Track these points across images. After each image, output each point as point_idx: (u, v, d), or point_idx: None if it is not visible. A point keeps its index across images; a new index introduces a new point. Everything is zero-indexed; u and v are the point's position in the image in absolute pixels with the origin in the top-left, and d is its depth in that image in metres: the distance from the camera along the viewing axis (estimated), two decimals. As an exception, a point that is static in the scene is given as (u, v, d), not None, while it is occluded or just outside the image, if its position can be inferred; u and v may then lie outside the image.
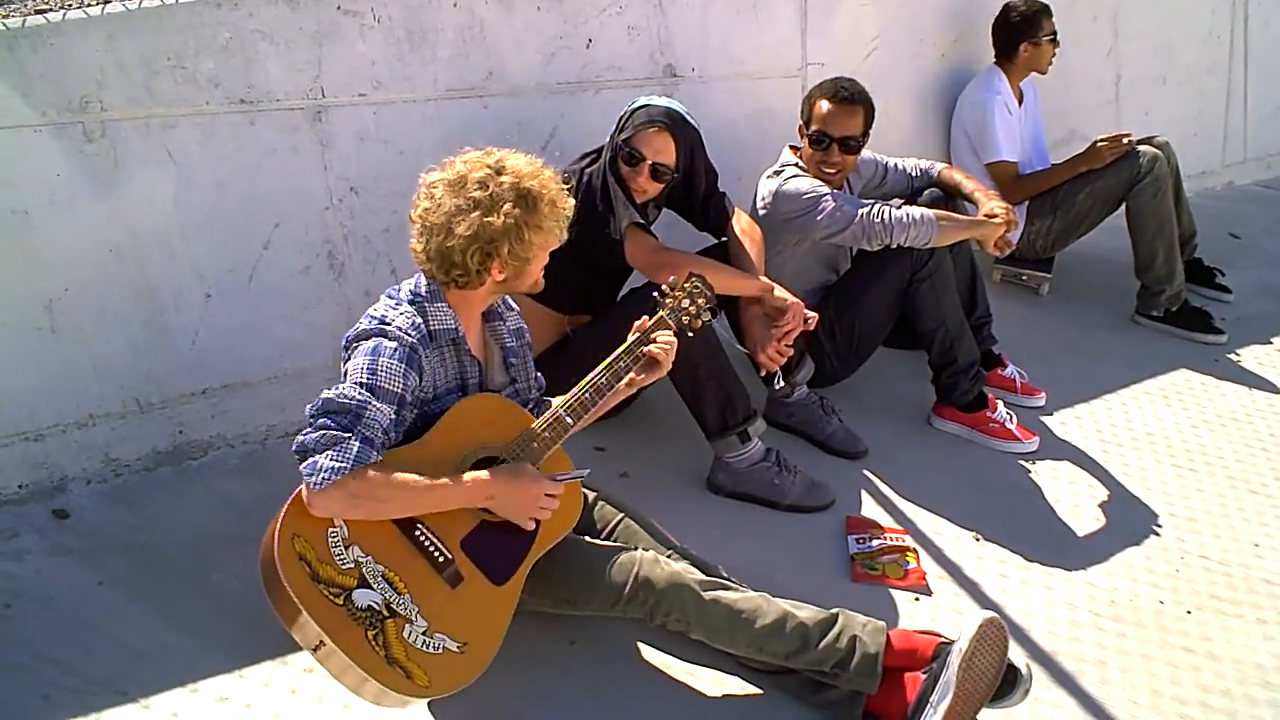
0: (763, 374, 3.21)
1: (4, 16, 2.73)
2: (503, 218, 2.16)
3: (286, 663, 2.37)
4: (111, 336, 2.88)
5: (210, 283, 3.00)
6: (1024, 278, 4.52)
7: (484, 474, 2.17)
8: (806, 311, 3.07)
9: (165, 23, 2.82)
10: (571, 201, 2.31)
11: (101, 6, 2.78)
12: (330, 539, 2.03)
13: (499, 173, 2.20)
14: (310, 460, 2.00)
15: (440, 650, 2.07)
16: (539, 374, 2.59)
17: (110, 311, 2.87)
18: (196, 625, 2.47)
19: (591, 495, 2.58)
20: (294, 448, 2.03)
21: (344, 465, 1.99)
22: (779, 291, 3.06)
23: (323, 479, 1.98)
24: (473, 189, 2.17)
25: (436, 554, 2.13)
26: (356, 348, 2.16)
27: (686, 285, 2.57)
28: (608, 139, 3.06)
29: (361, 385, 2.08)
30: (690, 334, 2.59)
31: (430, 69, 3.25)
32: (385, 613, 2.03)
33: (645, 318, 2.50)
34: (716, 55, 3.91)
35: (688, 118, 3.04)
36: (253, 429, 3.14)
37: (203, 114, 2.91)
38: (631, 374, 2.44)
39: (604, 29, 3.60)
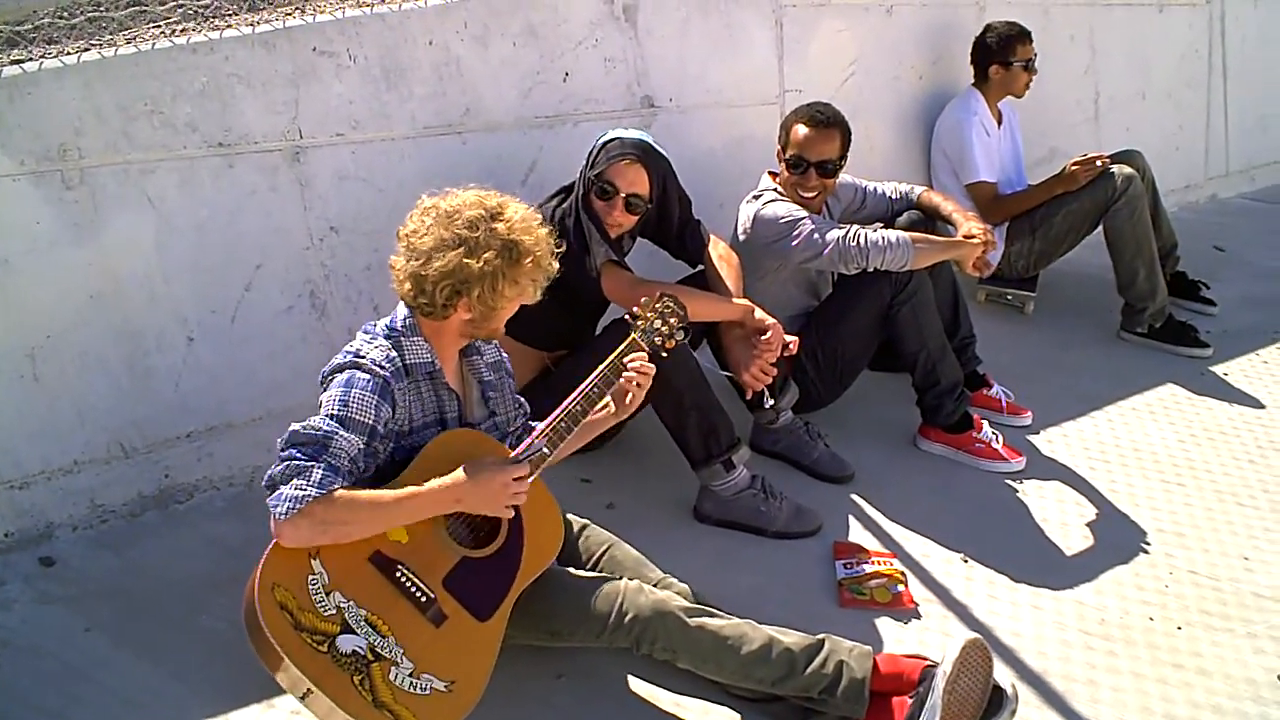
0: (748, 397, 3.22)
1: (-20, 67, 2.75)
2: (482, 263, 2.17)
3: (273, 706, 2.36)
4: (95, 382, 2.88)
5: (192, 325, 3.01)
6: (1008, 297, 4.54)
7: (447, 478, 2.15)
8: (787, 336, 3.07)
9: (141, 69, 2.84)
10: (556, 265, 2.31)
11: (78, 55, 2.81)
12: (311, 586, 2.02)
13: (494, 218, 2.20)
14: (276, 492, 2.00)
15: (428, 691, 2.06)
16: (520, 398, 2.59)
17: (93, 357, 2.87)
18: (184, 670, 2.46)
19: (576, 526, 2.58)
20: (263, 482, 2.03)
21: (308, 493, 1.98)
22: (759, 313, 3.06)
23: (288, 508, 1.97)
24: (462, 226, 2.18)
25: (419, 594, 2.13)
26: (331, 380, 2.17)
27: (658, 305, 2.57)
28: (578, 174, 3.07)
29: (331, 416, 2.09)
30: (664, 354, 2.58)
31: (407, 107, 3.28)
32: (370, 657, 2.02)
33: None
34: (694, 85, 3.94)
35: (657, 147, 3.06)
36: (238, 470, 3.14)
37: (181, 158, 2.92)
38: (608, 399, 2.44)
39: (580, 62, 3.63)
